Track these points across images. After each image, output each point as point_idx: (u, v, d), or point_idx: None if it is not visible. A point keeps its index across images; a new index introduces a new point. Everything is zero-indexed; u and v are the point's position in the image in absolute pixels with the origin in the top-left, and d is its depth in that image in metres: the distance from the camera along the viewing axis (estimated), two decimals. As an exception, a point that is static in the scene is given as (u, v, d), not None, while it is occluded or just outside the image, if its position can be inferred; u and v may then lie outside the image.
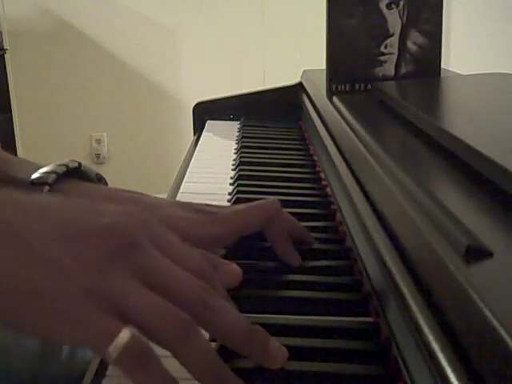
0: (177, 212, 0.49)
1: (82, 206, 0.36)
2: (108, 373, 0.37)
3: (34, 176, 0.49)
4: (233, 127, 1.04)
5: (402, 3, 0.80)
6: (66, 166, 0.50)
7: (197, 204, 0.52)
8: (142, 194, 0.52)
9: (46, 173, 0.49)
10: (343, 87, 0.83)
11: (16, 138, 2.68)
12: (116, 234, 0.33)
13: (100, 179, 0.54)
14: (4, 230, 0.31)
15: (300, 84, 1.07)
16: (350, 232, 0.52)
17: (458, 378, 0.26)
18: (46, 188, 0.48)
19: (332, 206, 0.63)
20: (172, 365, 0.32)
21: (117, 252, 0.33)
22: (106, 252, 0.32)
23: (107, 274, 0.32)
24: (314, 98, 0.91)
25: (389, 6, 0.80)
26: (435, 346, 0.28)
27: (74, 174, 0.51)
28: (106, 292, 0.31)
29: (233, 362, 0.36)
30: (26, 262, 0.31)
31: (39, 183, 0.48)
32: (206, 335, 0.35)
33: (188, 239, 0.43)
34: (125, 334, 0.30)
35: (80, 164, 0.52)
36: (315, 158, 0.82)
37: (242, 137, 0.95)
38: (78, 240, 0.32)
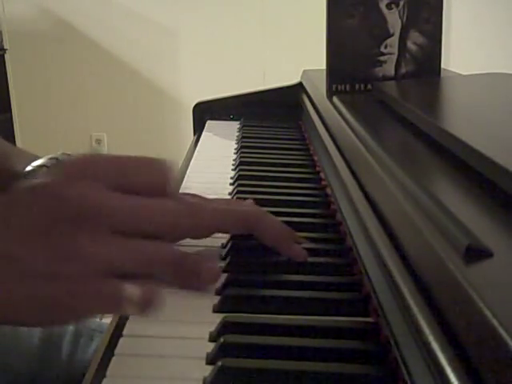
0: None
1: (8, 204, 0.36)
2: (108, 373, 0.37)
3: (27, 169, 0.52)
4: (233, 127, 1.04)
5: (401, 3, 0.80)
6: (56, 159, 0.53)
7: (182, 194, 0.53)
8: None
9: (38, 166, 0.52)
10: (343, 87, 0.83)
11: (16, 138, 2.69)
12: (51, 211, 0.34)
13: None
14: None
15: (300, 84, 1.07)
16: (350, 232, 0.52)
17: (458, 377, 0.26)
18: None
19: (332, 206, 0.63)
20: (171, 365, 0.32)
21: (75, 222, 0.34)
22: (61, 234, 0.33)
23: (82, 251, 0.33)
24: (313, 98, 0.91)
25: (389, 6, 0.80)
26: (435, 346, 0.28)
27: None
28: (92, 263, 0.33)
29: (233, 362, 0.37)
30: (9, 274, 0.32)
31: (30, 177, 0.51)
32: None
33: (160, 229, 0.46)
34: (130, 289, 0.33)
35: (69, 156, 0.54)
36: (315, 158, 0.82)
37: (242, 137, 0.95)
38: (32, 237, 0.33)
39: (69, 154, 0.54)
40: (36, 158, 0.54)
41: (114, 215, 0.35)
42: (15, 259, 0.32)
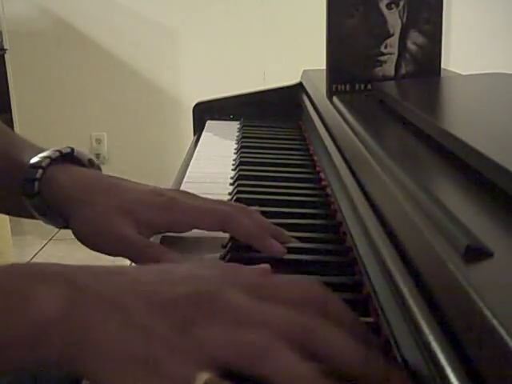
0: (139, 195, 0.53)
1: (159, 275, 0.38)
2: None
3: (33, 160, 0.55)
4: (233, 127, 1.04)
5: (401, 3, 0.80)
6: (60, 151, 0.57)
7: (164, 189, 0.56)
8: (118, 178, 0.57)
9: (43, 157, 0.56)
10: (343, 87, 0.83)
11: (16, 138, 2.68)
12: (194, 301, 0.35)
13: (92, 164, 0.60)
14: (108, 305, 0.34)
15: (300, 84, 1.07)
16: (350, 232, 0.52)
17: (458, 377, 0.26)
18: (40, 171, 0.54)
19: (332, 206, 0.63)
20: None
21: (198, 314, 0.34)
22: (189, 315, 0.34)
23: (193, 333, 0.33)
24: (313, 98, 0.91)
25: (389, 6, 0.80)
26: (435, 346, 0.28)
27: (67, 158, 0.58)
28: (194, 348, 0.32)
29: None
30: (131, 333, 0.33)
31: (35, 167, 0.55)
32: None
33: (142, 222, 0.50)
34: (200, 377, 0.31)
35: (73, 149, 0.58)
36: (315, 158, 0.82)
37: (242, 137, 0.95)
38: (165, 309, 0.34)
39: (72, 148, 0.58)
40: (39, 148, 0.58)
41: (251, 318, 0.34)
42: (148, 328, 0.33)
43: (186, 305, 0.34)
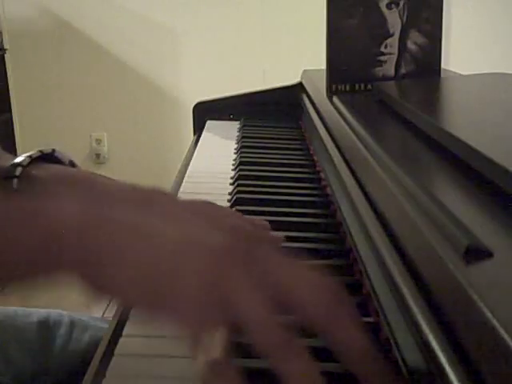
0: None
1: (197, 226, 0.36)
2: (108, 373, 0.37)
3: (14, 160, 0.55)
4: (233, 127, 1.04)
5: (401, 3, 0.80)
6: (41, 151, 0.57)
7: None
8: (104, 177, 0.54)
9: (24, 157, 0.55)
10: (343, 87, 0.83)
11: (16, 138, 2.68)
12: (234, 250, 0.34)
13: (73, 165, 0.59)
14: (133, 217, 0.33)
15: (300, 84, 1.07)
16: (350, 232, 0.52)
17: (458, 378, 0.26)
18: (20, 168, 0.54)
19: (332, 206, 0.63)
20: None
21: (238, 262, 0.33)
22: (229, 263, 0.33)
23: (227, 280, 0.32)
24: (314, 98, 0.91)
25: (389, 6, 0.80)
26: (435, 346, 0.28)
27: (47, 159, 0.57)
28: (222, 294, 0.32)
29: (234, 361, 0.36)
30: (154, 246, 0.32)
31: (15, 165, 0.54)
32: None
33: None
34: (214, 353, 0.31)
35: (54, 150, 0.58)
36: (315, 157, 0.82)
37: (242, 137, 0.95)
38: (203, 252, 0.33)
39: (53, 149, 0.57)
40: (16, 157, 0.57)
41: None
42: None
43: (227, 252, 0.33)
